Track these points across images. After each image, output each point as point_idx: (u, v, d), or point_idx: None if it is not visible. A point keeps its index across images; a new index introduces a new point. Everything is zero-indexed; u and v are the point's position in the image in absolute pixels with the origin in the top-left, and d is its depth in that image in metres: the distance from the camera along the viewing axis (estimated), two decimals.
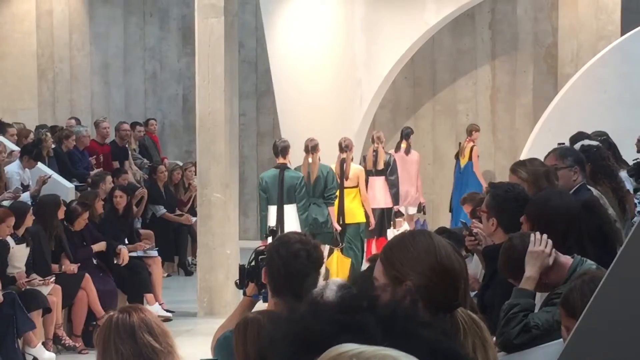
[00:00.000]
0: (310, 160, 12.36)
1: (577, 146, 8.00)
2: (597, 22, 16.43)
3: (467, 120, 17.24)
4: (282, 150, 12.13)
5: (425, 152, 17.37)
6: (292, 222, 11.82)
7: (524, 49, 17.04)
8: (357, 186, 13.05)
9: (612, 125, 11.58)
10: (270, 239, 11.92)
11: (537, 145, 14.17)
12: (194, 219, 15.02)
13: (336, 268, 11.91)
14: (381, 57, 15.84)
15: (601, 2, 16.36)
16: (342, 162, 12.98)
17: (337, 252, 12.32)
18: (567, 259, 4.87)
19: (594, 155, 7.45)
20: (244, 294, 4.75)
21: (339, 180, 12.72)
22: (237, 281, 4.76)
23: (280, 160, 12.12)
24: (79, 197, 12.06)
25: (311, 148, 12.40)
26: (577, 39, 16.57)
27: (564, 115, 14.06)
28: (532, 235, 4.84)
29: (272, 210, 11.95)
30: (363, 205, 13.12)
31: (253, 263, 4.58)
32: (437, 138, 17.41)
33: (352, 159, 13.07)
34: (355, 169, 13.24)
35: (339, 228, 12.54)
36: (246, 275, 4.67)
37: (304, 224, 11.86)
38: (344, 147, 13.04)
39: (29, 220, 10.36)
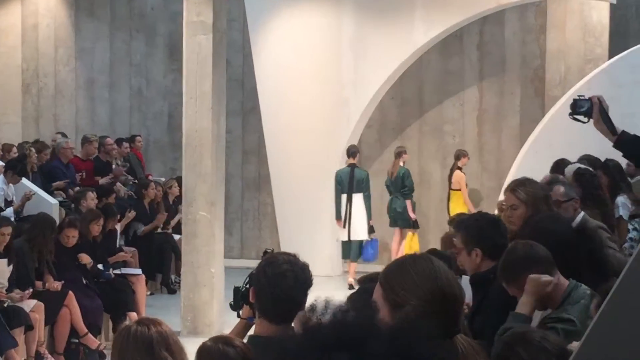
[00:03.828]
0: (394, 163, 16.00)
1: (572, 169, 7.99)
2: (584, 45, 16.46)
3: (454, 141, 17.22)
4: (352, 153, 15.41)
5: (411, 172, 17.32)
6: (359, 207, 15.25)
7: (512, 70, 17.05)
8: (459, 189, 16.13)
9: (599, 149, 11.52)
10: (342, 221, 14.95)
11: (523, 167, 14.16)
12: (177, 236, 14.95)
13: (408, 248, 15.31)
14: (369, 77, 15.84)
15: (589, 26, 16.39)
16: (451, 169, 16.35)
17: (409, 236, 15.81)
18: (564, 281, 4.87)
19: (587, 182, 7.43)
20: (238, 316, 4.68)
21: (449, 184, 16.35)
22: (232, 303, 4.69)
23: (351, 160, 15.39)
24: (81, 216, 11.97)
25: (397, 154, 16.00)
26: (565, 61, 16.59)
27: (551, 137, 14.07)
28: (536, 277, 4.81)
29: (344, 197, 15.30)
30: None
31: (248, 285, 4.49)
32: (423, 159, 17.39)
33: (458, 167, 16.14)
34: (457, 175, 16.18)
35: (414, 217, 15.80)
36: (241, 298, 4.60)
37: (368, 210, 15.28)
38: (455, 156, 16.29)
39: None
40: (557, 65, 16.66)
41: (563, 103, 14.37)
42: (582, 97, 5.71)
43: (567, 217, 6.27)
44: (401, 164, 15.90)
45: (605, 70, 14.33)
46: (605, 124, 5.63)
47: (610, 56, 15.31)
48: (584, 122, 5.75)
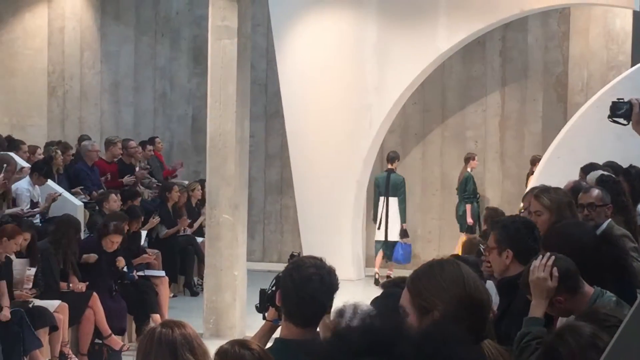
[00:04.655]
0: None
1: (595, 176, 8.00)
2: (607, 52, 16.45)
3: (476, 147, 17.23)
4: (390, 159, 16.28)
5: (433, 178, 17.37)
6: (394, 210, 16.06)
7: (534, 77, 17.05)
8: None
9: (622, 155, 11.56)
10: (380, 226, 15.86)
11: (545, 173, 14.15)
12: (200, 239, 15.02)
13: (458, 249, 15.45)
14: (392, 82, 15.86)
15: (612, 32, 16.38)
16: (528, 174, 16.70)
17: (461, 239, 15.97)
18: (589, 289, 4.84)
19: (611, 189, 7.44)
20: (264, 318, 4.71)
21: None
22: (258, 305, 4.72)
23: (389, 166, 16.24)
24: (104, 219, 12.02)
25: (465, 159, 16.64)
26: (588, 68, 16.59)
27: (573, 144, 14.06)
28: (532, 263, 4.82)
29: (382, 200, 16.14)
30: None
31: (274, 288, 4.53)
32: (446, 164, 17.41)
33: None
34: (531, 180, 16.70)
35: (470, 222, 16.45)
36: (267, 300, 4.63)
37: (401, 213, 16.06)
38: (531, 161, 16.53)
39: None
40: (580, 71, 16.66)
41: (585, 109, 14.35)
42: (620, 100, 5.72)
43: (592, 224, 6.28)
44: (468, 169, 16.46)
45: (628, 77, 14.30)
46: None
47: (633, 63, 15.28)
48: (624, 125, 5.75)
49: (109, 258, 11.37)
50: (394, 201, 16.07)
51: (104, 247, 11.27)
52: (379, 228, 16.19)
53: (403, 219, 16.10)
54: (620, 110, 5.66)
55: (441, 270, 3.26)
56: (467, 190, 16.40)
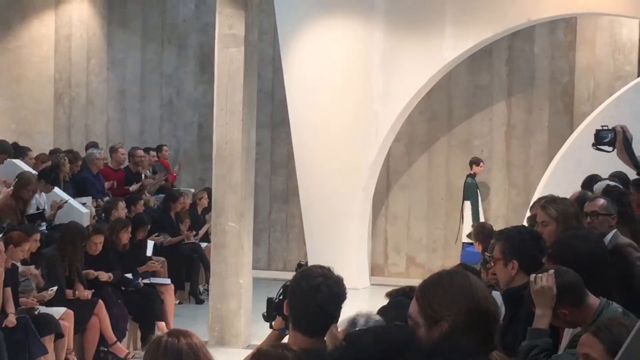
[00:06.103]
0: None
1: (601, 186, 8.00)
2: (614, 62, 16.45)
3: (482, 156, 17.23)
4: (469, 164, 16.93)
5: (438, 187, 17.35)
6: (468, 213, 16.85)
7: (541, 86, 17.04)
8: None
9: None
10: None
11: (551, 183, 14.15)
12: (204, 244, 15.02)
13: None
14: (398, 91, 15.86)
15: (619, 42, 16.38)
16: None
17: None
18: (595, 300, 4.83)
19: (616, 200, 7.44)
20: (271, 327, 4.71)
21: None
22: (265, 314, 4.73)
23: (470, 170, 16.92)
24: (109, 225, 12.06)
25: None
26: (594, 78, 16.58)
27: (580, 153, 14.05)
28: (532, 277, 4.80)
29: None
30: None
31: (281, 297, 4.53)
32: (452, 173, 17.40)
33: None
34: None
35: None
36: (274, 309, 4.64)
37: (472, 214, 16.73)
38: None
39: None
40: (586, 81, 16.65)
41: (592, 119, 14.35)
42: (605, 128, 5.73)
43: (598, 233, 6.27)
44: None
45: (635, 88, 14.33)
46: (628, 155, 5.64)
47: None
48: (608, 152, 5.77)
49: (97, 263, 11.36)
50: (467, 204, 16.88)
51: (89, 251, 11.26)
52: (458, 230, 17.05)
53: (473, 220, 16.54)
54: (605, 139, 5.69)
55: (450, 281, 3.25)
56: None
